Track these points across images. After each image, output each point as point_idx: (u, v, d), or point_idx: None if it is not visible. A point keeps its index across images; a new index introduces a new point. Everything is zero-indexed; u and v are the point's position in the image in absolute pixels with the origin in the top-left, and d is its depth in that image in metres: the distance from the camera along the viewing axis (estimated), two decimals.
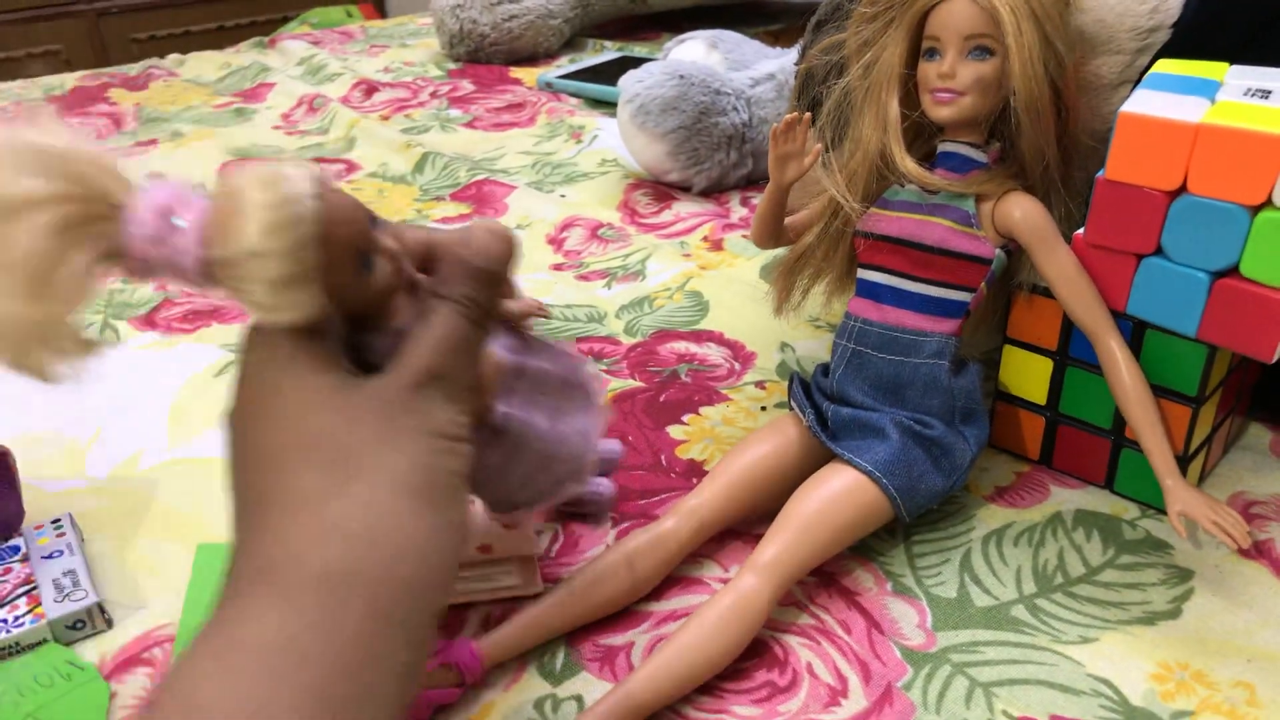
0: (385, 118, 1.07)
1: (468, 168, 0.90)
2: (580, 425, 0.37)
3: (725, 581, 0.43)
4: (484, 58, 1.24)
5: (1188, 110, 0.39)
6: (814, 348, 0.61)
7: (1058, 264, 0.44)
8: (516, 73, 1.20)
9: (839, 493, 0.42)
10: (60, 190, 0.24)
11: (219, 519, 0.49)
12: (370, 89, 1.15)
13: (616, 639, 0.41)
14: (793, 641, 0.41)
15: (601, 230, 0.78)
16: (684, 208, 0.81)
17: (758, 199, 0.82)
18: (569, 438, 0.36)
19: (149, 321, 0.67)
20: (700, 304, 0.67)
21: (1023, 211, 0.44)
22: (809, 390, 0.48)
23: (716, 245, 0.75)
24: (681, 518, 0.44)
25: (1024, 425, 0.50)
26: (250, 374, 0.29)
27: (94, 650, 0.41)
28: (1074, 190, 0.47)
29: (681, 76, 0.81)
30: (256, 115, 1.10)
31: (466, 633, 0.42)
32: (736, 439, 0.53)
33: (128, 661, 0.41)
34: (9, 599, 0.42)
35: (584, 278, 0.71)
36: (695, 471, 0.51)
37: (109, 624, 0.42)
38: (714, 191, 0.84)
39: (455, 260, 0.30)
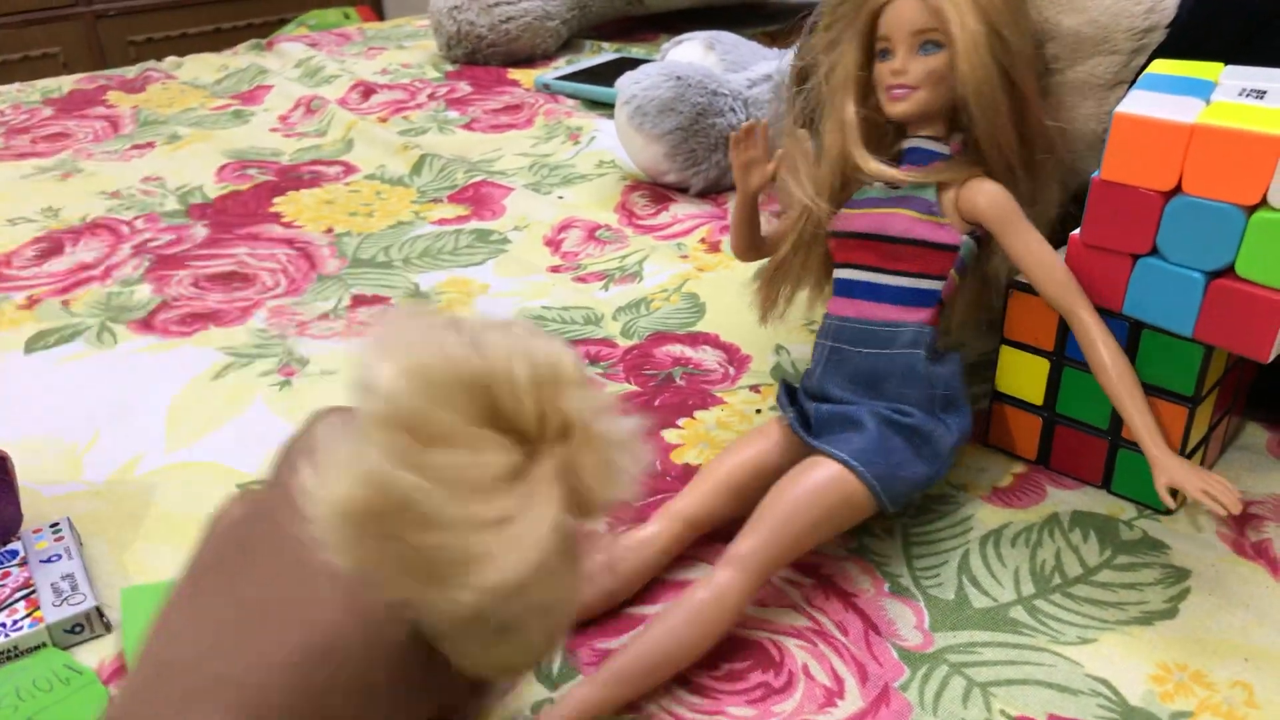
0: (383, 119, 1.06)
1: (465, 169, 0.90)
2: None
3: None
4: (481, 59, 1.24)
5: (1183, 111, 0.39)
6: (809, 351, 0.61)
7: (1024, 244, 0.45)
8: (514, 74, 1.20)
9: (816, 484, 0.42)
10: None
11: None
12: (368, 91, 1.15)
13: (613, 643, 0.41)
14: (789, 643, 0.41)
15: (599, 232, 0.78)
16: (681, 209, 0.81)
17: None
18: None
19: (147, 325, 0.67)
20: (696, 306, 0.67)
21: (986, 197, 0.45)
22: (794, 393, 0.48)
23: (714, 247, 0.75)
24: (665, 521, 0.44)
25: (1021, 426, 0.50)
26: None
27: (93, 654, 0.41)
28: (1039, 174, 0.48)
29: (679, 78, 0.81)
30: (254, 117, 1.10)
31: None
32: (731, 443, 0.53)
33: (124, 668, 0.41)
34: (7, 603, 0.42)
35: (581, 279, 0.71)
36: (690, 475, 0.51)
37: (108, 628, 0.42)
38: (712, 192, 0.84)
39: None
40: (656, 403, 0.57)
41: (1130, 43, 0.51)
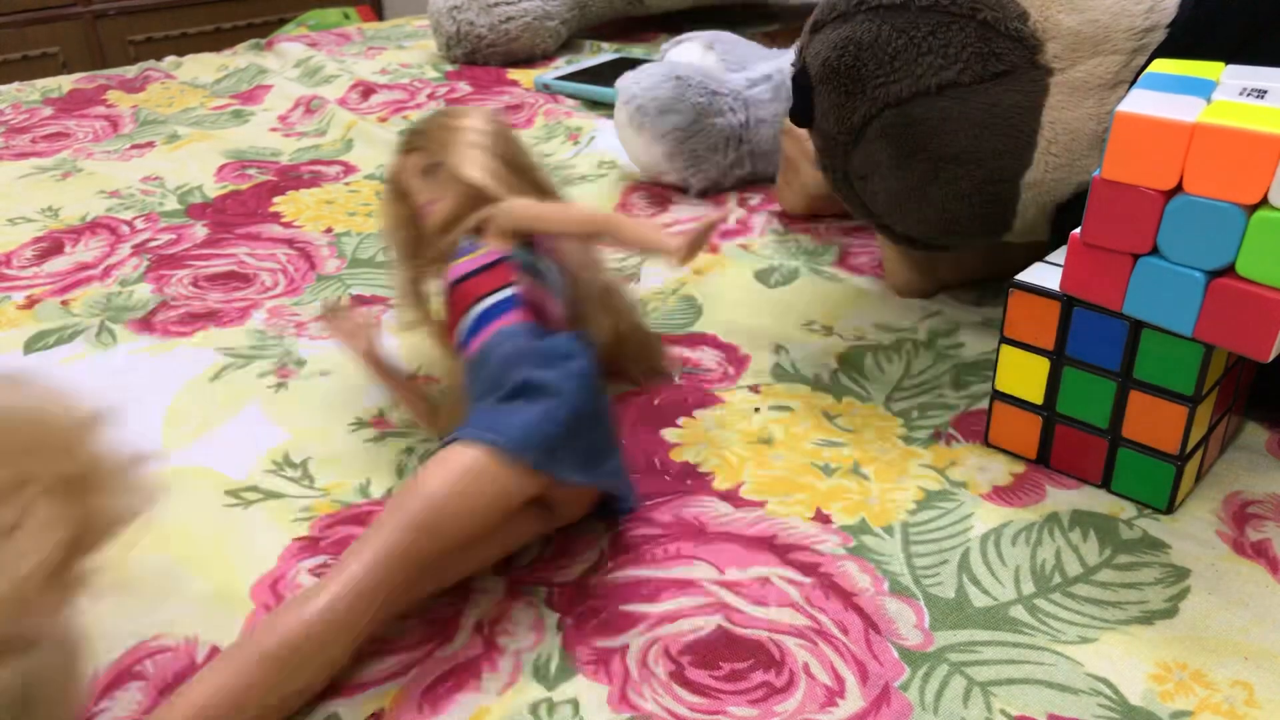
0: (383, 119, 1.06)
1: None
2: None
3: (721, 583, 0.43)
4: (481, 59, 1.24)
5: (1184, 110, 0.39)
6: (808, 350, 0.61)
7: (540, 214, 0.51)
8: (514, 74, 1.20)
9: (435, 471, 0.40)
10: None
11: (208, 529, 0.49)
12: (368, 90, 1.15)
13: (612, 642, 0.41)
14: (789, 642, 0.41)
15: None
16: (682, 210, 0.81)
17: (756, 200, 0.83)
18: None
19: (146, 324, 0.67)
20: (694, 307, 0.67)
21: (498, 214, 0.52)
22: None
23: (712, 248, 0.75)
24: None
25: (1021, 425, 0.50)
26: None
27: (87, 662, 0.41)
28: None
29: (679, 78, 0.81)
30: (254, 117, 1.10)
31: (461, 637, 0.42)
32: (731, 441, 0.53)
33: (120, 675, 0.40)
34: None
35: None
36: (690, 474, 0.51)
37: None
38: (712, 192, 0.84)
39: None
40: (656, 401, 0.57)
41: (1131, 42, 0.51)
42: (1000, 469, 0.50)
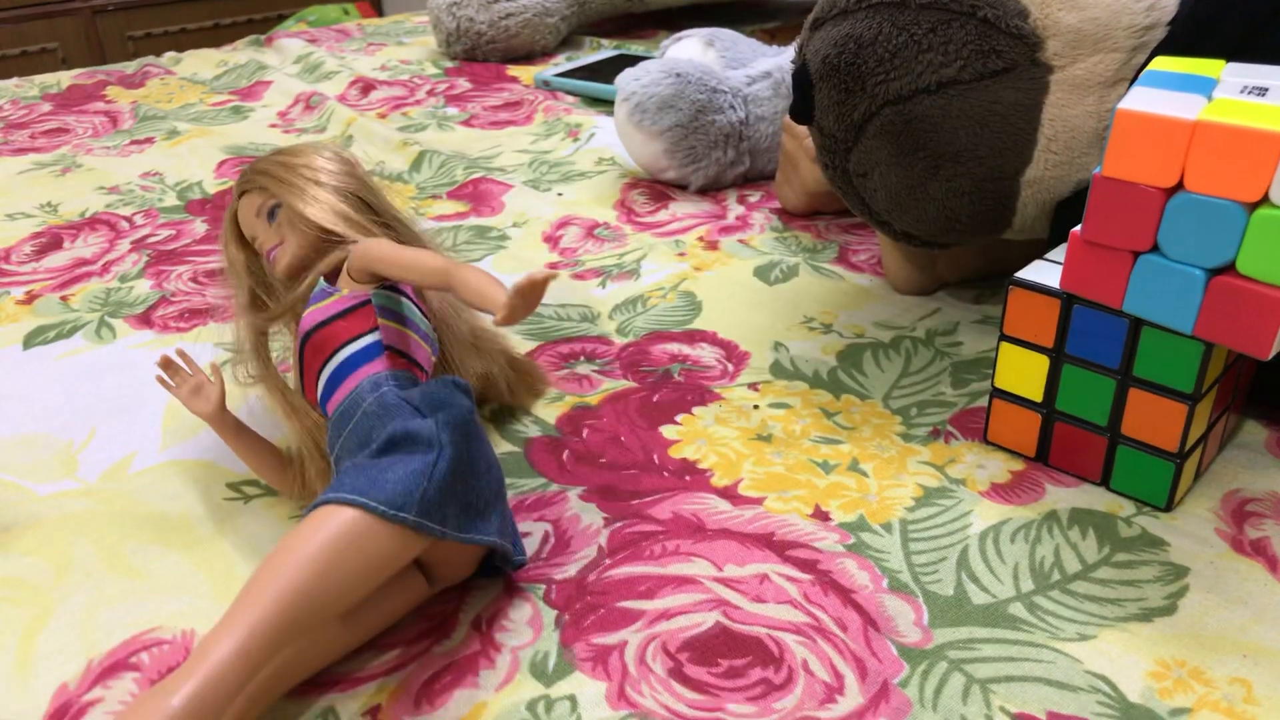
0: (382, 116, 1.06)
1: (464, 166, 0.90)
2: None
3: (720, 580, 0.43)
4: (481, 56, 1.24)
5: (1184, 107, 0.39)
6: (807, 347, 0.61)
7: (386, 257, 0.45)
8: (513, 71, 1.20)
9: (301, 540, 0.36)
10: None
11: (209, 522, 0.49)
12: (367, 87, 1.15)
13: (610, 638, 0.41)
14: (788, 639, 0.41)
15: (598, 229, 0.78)
16: (681, 207, 0.81)
17: (755, 197, 0.83)
18: None
19: (145, 320, 0.67)
20: (693, 304, 0.67)
21: (351, 256, 0.47)
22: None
23: (712, 245, 0.75)
24: None
25: (1020, 422, 0.50)
26: None
27: (81, 655, 0.41)
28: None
29: (678, 74, 0.81)
30: (253, 113, 1.10)
31: (458, 633, 0.41)
32: (729, 439, 0.53)
33: (114, 666, 0.40)
34: None
35: (579, 276, 0.71)
36: (688, 470, 0.51)
37: None
38: (711, 190, 0.84)
39: None
40: (655, 399, 0.57)
41: (1131, 40, 0.51)
42: (999, 466, 0.50)
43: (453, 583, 0.43)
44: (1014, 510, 0.47)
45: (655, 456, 0.52)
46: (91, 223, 0.82)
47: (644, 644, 0.41)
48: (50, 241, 0.79)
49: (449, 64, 1.23)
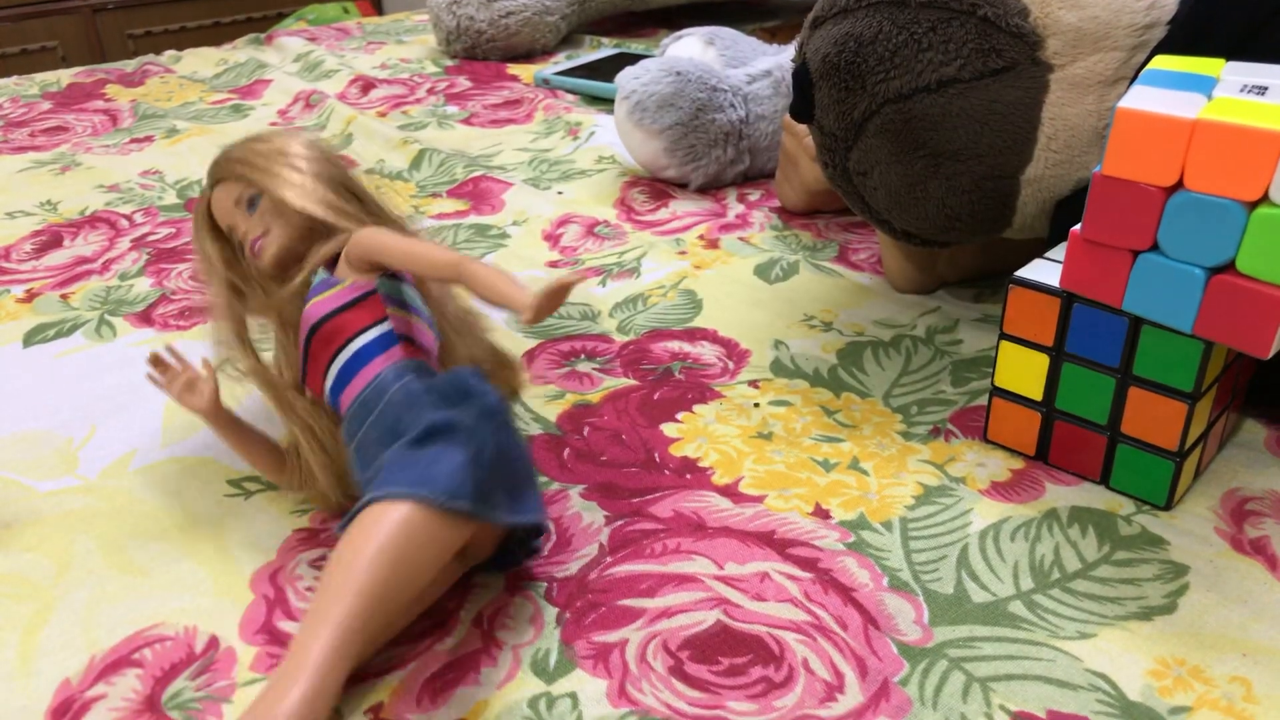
0: (382, 114, 1.06)
1: (465, 164, 0.90)
2: None
3: (720, 578, 0.43)
4: (481, 54, 1.24)
5: (1185, 106, 0.39)
6: (808, 345, 0.61)
7: (391, 247, 0.45)
8: (513, 69, 1.20)
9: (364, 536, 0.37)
10: None
11: (208, 519, 0.49)
12: (367, 85, 1.15)
13: (611, 636, 0.41)
14: (788, 637, 0.41)
15: (598, 227, 0.78)
16: (681, 205, 0.81)
17: (755, 196, 0.83)
18: None
19: (145, 318, 0.67)
20: (694, 302, 0.67)
21: (350, 245, 0.47)
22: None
23: (712, 244, 0.75)
24: None
25: (1020, 421, 0.50)
26: None
27: (83, 651, 0.41)
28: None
29: (678, 73, 0.81)
30: (253, 112, 1.09)
31: (459, 631, 0.42)
32: (730, 437, 0.53)
33: (117, 662, 0.40)
34: None
35: (579, 275, 0.71)
36: (689, 468, 0.51)
37: None
38: (711, 188, 0.84)
39: None
40: (655, 397, 0.57)
41: (1131, 39, 0.51)
42: (999, 465, 0.50)
43: (479, 560, 0.44)
44: (1014, 509, 0.47)
45: (656, 454, 0.52)
46: (91, 221, 0.82)
47: (645, 642, 0.41)
48: (50, 240, 0.79)
49: (449, 62, 1.23)
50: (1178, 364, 0.44)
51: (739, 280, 0.69)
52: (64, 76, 1.24)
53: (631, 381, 0.58)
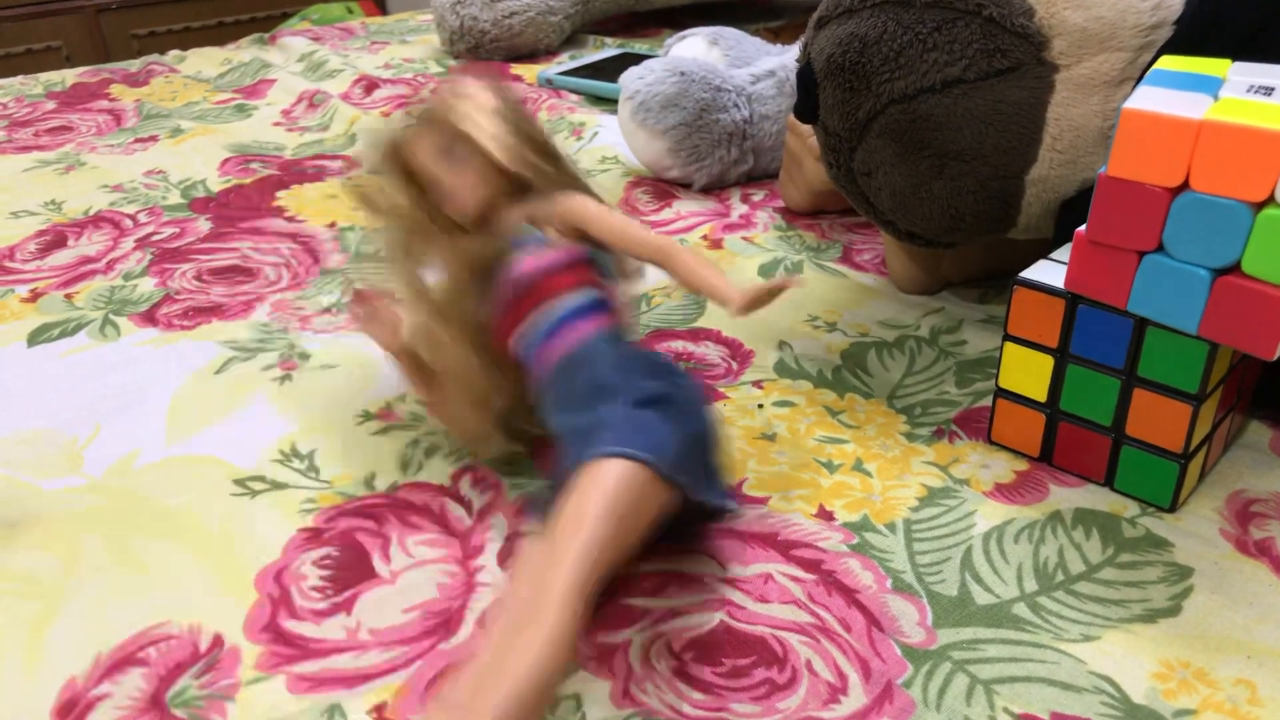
0: (386, 114, 1.06)
1: None
2: None
3: (723, 579, 0.43)
4: (484, 54, 1.24)
5: (1190, 107, 0.39)
6: (812, 345, 0.61)
7: (601, 220, 0.48)
8: (517, 69, 1.20)
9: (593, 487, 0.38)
10: None
11: (216, 517, 0.49)
12: (371, 85, 1.15)
13: (614, 637, 0.41)
14: (791, 639, 0.41)
15: None
16: (685, 206, 0.81)
17: (759, 196, 0.83)
18: None
19: (149, 318, 0.67)
20: (697, 302, 0.67)
21: (558, 209, 0.49)
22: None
23: (716, 244, 0.75)
24: None
25: (1024, 422, 0.50)
26: None
27: (90, 649, 0.41)
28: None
29: (682, 73, 0.81)
30: (257, 111, 1.10)
31: (464, 630, 0.42)
32: (733, 438, 0.53)
33: (122, 661, 0.41)
34: None
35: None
36: None
37: None
38: (715, 189, 0.84)
39: None
40: None
41: (1137, 39, 0.51)
42: (1003, 466, 0.50)
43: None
44: (1018, 510, 0.47)
45: None
46: (95, 221, 0.82)
47: (648, 643, 0.41)
48: (54, 239, 0.79)
49: (453, 62, 1.23)
50: (1183, 365, 0.44)
51: (743, 279, 0.69)
52: (68, 76, 1.24)
53: None
